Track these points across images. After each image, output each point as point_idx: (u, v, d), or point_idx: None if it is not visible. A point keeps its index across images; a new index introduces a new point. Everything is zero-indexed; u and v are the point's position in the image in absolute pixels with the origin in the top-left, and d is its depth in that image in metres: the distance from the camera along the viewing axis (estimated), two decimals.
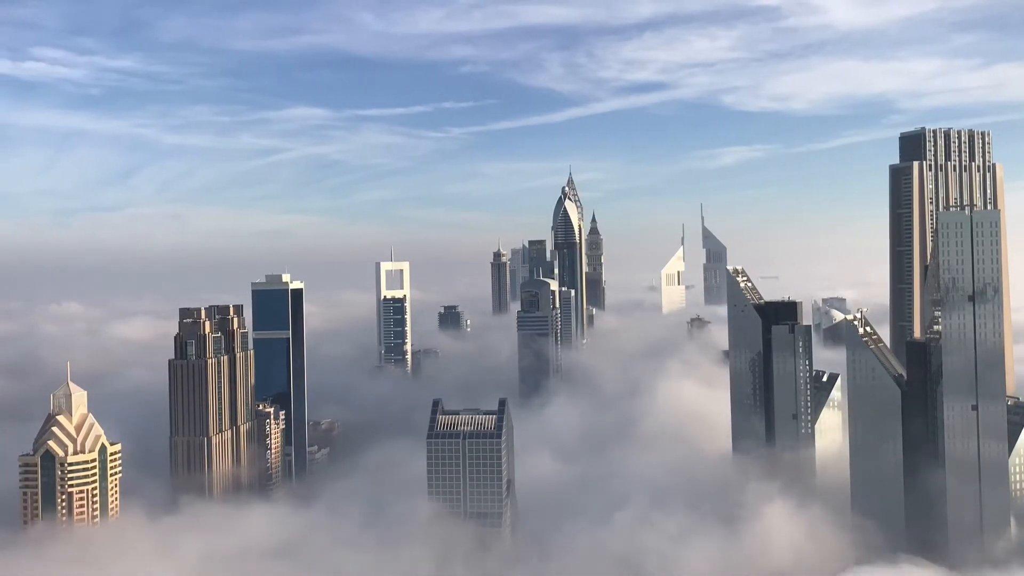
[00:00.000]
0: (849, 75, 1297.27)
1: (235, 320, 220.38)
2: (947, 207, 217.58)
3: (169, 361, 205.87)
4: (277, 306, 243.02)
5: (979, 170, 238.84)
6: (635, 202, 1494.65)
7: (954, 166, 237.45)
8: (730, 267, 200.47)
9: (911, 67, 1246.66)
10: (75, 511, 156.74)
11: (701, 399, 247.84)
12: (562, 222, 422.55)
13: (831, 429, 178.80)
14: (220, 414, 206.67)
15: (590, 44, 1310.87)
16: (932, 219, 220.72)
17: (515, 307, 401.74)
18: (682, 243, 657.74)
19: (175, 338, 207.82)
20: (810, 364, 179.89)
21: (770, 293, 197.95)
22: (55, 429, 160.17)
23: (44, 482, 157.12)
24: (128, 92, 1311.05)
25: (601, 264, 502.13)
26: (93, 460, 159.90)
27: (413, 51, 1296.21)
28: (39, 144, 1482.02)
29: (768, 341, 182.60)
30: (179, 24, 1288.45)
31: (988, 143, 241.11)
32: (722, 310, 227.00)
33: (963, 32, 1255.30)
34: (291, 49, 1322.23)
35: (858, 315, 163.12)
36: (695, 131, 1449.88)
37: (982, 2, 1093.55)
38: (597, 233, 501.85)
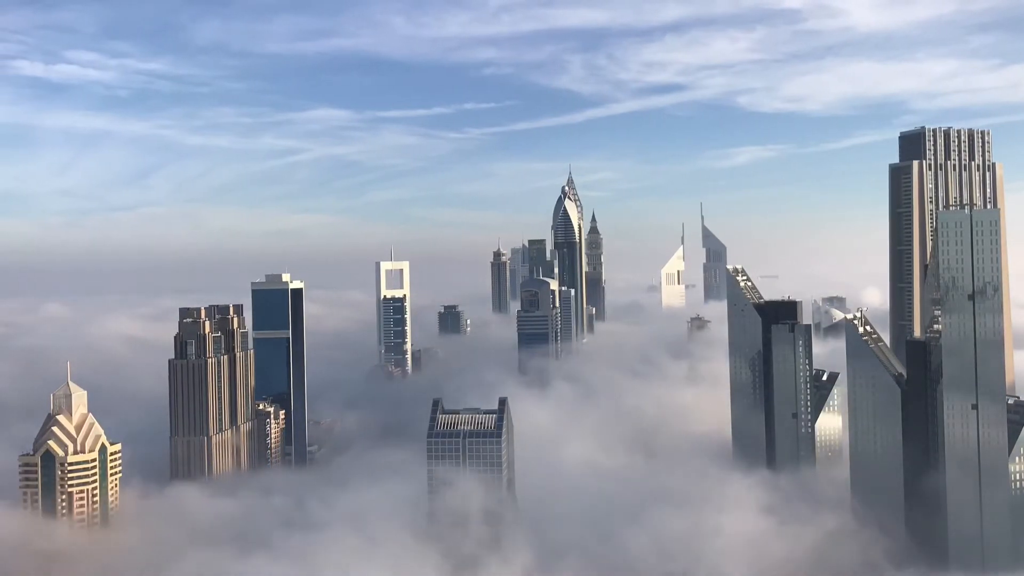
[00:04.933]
0: (864, 76, 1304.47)
1: (235, 320, 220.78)
2: (947, 206, 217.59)
3: (169, 361, 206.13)
4: (277, 306, 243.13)
5: (979, 169, 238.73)
6: (645, 202, 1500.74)
7: (954, 165, 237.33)
8: (730, 266, 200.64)
9: (926, 68, 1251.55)
10: (75, 511, 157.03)
11: (701, 398, 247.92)
12: (562, 222, 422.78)
13: (831, 428, 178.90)
14: (220, 414, 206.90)
15: (612, 46, 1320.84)
16: (932, 218, 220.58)
17: (515, 306, 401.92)
18: (682, 242, 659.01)
19: (175, 338, 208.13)
20: (810, 363, 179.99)
21: (770, 292, 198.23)
22: (55, 429, 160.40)
23: (44, 482, 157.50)
24: (155, 94, 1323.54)
25: (601, 263, 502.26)
26: (93, 460, 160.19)
27: (439, 53, 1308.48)
28: (62, 145, 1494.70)
29: (768, 340, 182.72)
30: (212, 27, 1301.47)
31: (988, 142, 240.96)
32: (722, 309, 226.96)
33: (981, 33, 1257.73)
34: (321, 52, 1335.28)
35: (858, 314, 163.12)
36: (709, 132, 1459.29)
37: (1002, 4, 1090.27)
38: (597, 232, 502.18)
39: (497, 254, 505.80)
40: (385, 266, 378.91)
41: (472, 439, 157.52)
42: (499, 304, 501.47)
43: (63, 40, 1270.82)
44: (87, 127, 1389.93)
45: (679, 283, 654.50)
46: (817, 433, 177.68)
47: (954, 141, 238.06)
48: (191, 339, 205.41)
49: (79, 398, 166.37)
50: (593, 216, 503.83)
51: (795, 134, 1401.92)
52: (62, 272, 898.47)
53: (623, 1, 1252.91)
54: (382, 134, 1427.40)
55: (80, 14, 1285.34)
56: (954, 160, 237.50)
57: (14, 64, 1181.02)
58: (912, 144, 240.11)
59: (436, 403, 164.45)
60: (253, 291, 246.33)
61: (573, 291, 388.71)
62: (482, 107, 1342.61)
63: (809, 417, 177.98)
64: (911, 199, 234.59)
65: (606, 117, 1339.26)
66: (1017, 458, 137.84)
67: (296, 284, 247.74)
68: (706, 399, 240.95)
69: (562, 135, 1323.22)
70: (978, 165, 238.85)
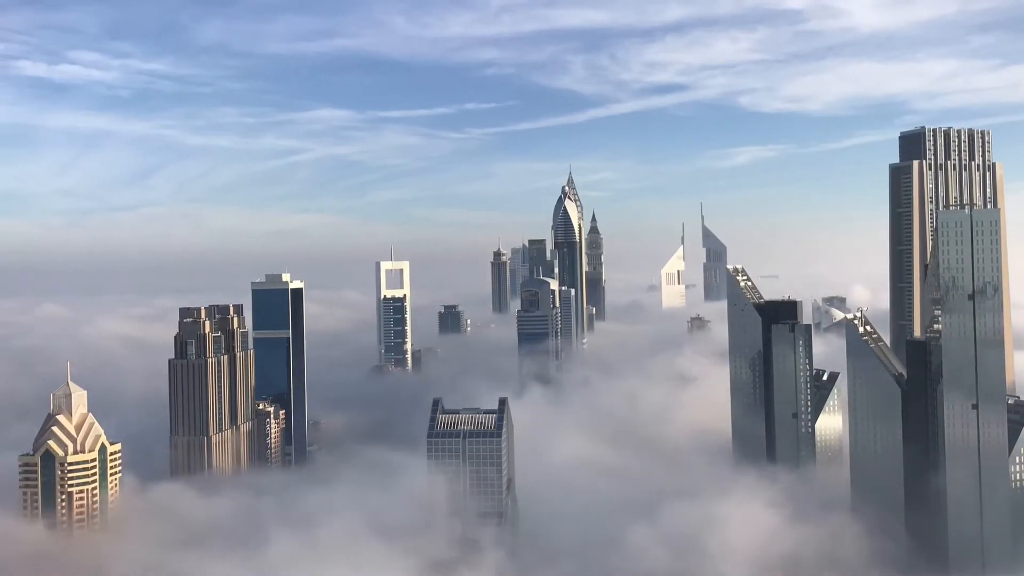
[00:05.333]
0: (865, 76, 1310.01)
1: (235, 320, 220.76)
2: (947, 206, 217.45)
3: (169, 361, 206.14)
4: (277, 306, 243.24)
5: (979, 169, 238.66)
6: (645, 202, 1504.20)
7: (954, 165, 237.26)
8: (730, 266, 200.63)
9: (927, 68, 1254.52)
10: (75, 511, 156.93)
11: (701, 398, 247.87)
12: (562, 222, 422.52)
13: (831, 428, 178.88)
14: (220, 414, 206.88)
15: (614, 46, 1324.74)
16: (932, 218, 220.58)
17: (515, 306, 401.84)
18: (682, 242, 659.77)
19: (175, 338, 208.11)
20: (810, 363, 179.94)
21: (770, 292, 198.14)
22: (55, 429, 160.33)
23: (44, 482, 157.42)
24: (157, 94, 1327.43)
25: (601, 263, 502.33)
26: (93, 460, 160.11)
27: (440, 54, 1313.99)
28: (64, 145, 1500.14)
29: (768, 340, 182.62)
30: (215, 28, 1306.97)
31: (988, 142, 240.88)
32: (722, 309, 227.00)
33: (982, 33, 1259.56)
34: (322, 52, 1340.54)
35: (858, 314, 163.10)
36: (710, 132, 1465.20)
37: (1004, 4, 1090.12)
38: (597, 232, 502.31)
39: (497, 254, 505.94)
40: (385, 266, 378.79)
41: (472, 439, 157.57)
42: (499, 304, 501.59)
43: (66, 40, 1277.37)
44: (89, 127, 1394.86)
45: (679, 283, 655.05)
46: (817, 433, 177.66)
47: (954, 141, 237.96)
48: (191, 339, 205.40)
49: (79, 398, 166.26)
50: (593, 216, 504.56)
51: (796, 134, 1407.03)
52: (62, 272, 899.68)
53: (625, 1, 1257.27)
54: (384, 134, 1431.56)
55: (83, 14, 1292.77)
56: (954, 160, 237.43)
57: (17, 64, 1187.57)
58: (912, 144, 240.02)
59: (436, 403, 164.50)
60: (253, 291, 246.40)
61: (573, 291, 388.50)
62: (483, 107, 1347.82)
63: (809, 417, 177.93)
64: (911, 199, 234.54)
65: (607, 117, 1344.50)
66: (1017, 458, 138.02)
67: (296, 284, 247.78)
68: (706, 399, 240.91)
69: (563, 135, 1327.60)
70: (978, 165, 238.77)
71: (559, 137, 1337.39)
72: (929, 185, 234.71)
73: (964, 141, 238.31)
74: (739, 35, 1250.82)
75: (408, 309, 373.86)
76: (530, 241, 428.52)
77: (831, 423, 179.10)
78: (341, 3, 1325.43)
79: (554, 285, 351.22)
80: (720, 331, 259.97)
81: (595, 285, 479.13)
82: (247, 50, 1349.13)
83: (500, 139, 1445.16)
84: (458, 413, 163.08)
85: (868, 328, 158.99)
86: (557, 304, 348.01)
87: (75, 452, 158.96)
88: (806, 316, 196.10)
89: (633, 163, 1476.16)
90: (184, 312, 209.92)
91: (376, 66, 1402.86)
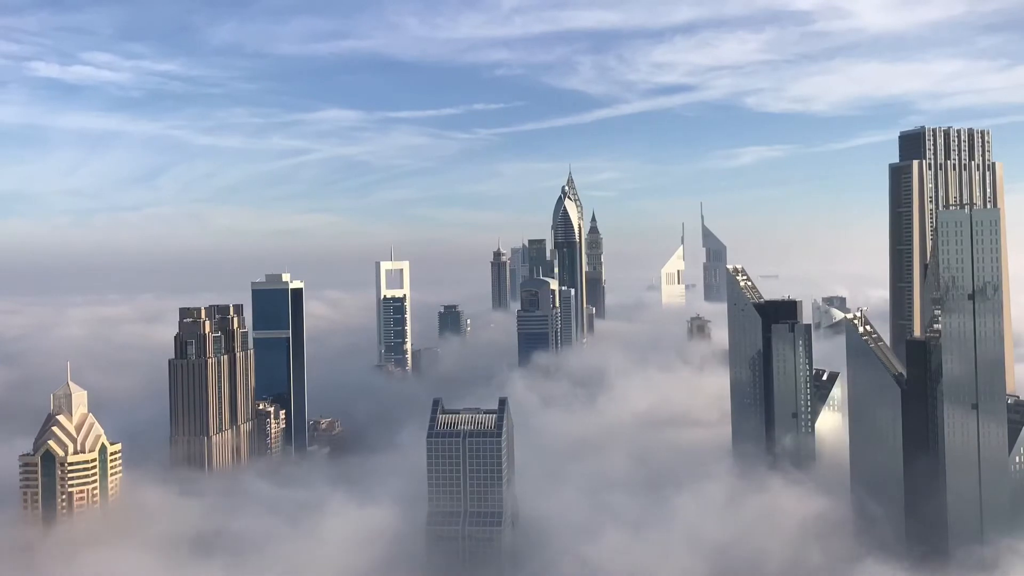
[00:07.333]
0: (871, 77, 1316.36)
1: (235, 320, 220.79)
2: (947, 206, 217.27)
3: (169, 361, 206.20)
4: (277, 306, 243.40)
5: (979, 169, 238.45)
6: (650, 202, 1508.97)
7: (954, 165, 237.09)
8: (730, 266, 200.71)
9: (933, 68, 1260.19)
10: (75, 511, 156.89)
11: (701, 398, 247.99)
12: (562, 221, 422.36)
13: (831, 428, 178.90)
14: (220, 414, 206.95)
15: (622, 47, 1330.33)
16: (932, 218, 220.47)
17: (515, 306, 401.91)
18: (682, 242, 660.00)
19: (175, 338, 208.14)
20: (810, 363, 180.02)
21: (770, 292, 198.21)
22: (55, 429, 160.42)
23: (44, 482, 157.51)
24: (168, 95, 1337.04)
25: (601, 263, 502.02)
26: (93, 460, 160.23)
27: (450, 55, 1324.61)
28: (73, 145, 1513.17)
29: (768, 340, 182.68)
30: (228, 29, 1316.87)
31: (988, 142, 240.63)
32: (722, 309, 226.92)
33: (990, 34, 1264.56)
34: (334, 53, 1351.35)
35: (858, 314, 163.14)
36: (717, 132, 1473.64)
37: (1012, 4, 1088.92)
38: (597, 232, 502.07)
39: (497, 254, 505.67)
40: (385, 266, 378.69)
41: (472, 439, 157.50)
42: (499, 303, 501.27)
43: (79, 42, 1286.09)
44: (99, 127, 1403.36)
45: (679, 283, 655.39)
46: (817, 433, 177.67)
47: (954, 141, 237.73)
48: (191, 339, 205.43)
49: (79, 398, 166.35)
50: (593, 216, 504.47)
51: (801, 134, 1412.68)
52: (65, 272, 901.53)
53: (635, 3, 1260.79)
54: (391, 134, 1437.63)
55: (97, 16, 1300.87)
56: (954, 160, 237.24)
57: (30, 65, 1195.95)
58: (912, 144, 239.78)
59: (436, 403, 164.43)
60: (253, 291, 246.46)
61: (573, 291, 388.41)
62: (491, 108, 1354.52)
63: (809, 417, 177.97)
64: (911, 199, 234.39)
65: (614, 118, 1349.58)
66: (1017, 458, 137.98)
67: (296, 284, 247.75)
68: (706, 399, 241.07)
69: (570, 135, 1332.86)
70: (978, 165, 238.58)
71: (565, 137, 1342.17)
72: (929, 185, 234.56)
73: (964, 141, 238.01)
74: (747, 36, 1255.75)
75: (408, 309, 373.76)
76: (530, 241, 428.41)
77: (831, 423, 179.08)
78: (354, 4, 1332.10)
79: (554, 285, 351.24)
80: (720, 331, 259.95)
81: (595, 285, 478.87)
82: (259, 51, 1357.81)
83: (507, 139, 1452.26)
84: (458, 413, 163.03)
85: (868, 328, 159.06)
86: (557, 304, 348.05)
87: (75, 452, 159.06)
88: (806, 316, 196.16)
89: (638, 163, 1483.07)
90: (184, 312, 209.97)
91: (386, 67, 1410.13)
